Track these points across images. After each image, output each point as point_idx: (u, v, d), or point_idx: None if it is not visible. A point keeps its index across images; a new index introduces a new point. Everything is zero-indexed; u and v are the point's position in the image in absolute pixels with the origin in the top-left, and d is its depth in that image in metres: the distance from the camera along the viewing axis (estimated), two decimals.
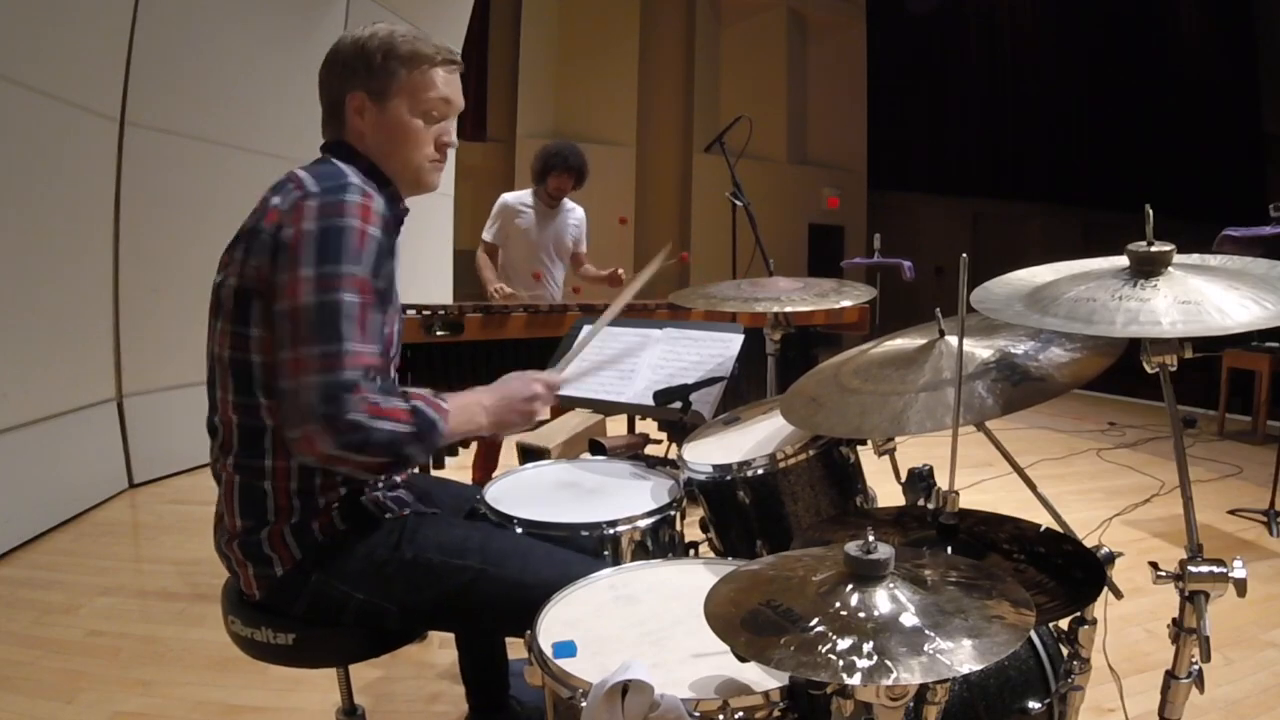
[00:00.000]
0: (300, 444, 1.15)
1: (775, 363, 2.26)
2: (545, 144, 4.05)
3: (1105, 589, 1.18)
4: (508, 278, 4.08)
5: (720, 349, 2.01)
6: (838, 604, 0.90)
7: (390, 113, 1.34)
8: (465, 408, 1.32)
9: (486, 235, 4.04)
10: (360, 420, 1.14)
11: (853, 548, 0.93)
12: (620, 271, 4.21)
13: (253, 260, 1.24)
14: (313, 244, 1.18)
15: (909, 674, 0.80)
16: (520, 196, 4.05)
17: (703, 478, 1.64)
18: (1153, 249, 1.17)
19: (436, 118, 1.37)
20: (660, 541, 1.52)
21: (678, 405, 1.83)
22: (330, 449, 1.14)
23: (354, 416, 1.14)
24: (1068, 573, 1.15)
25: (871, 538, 0.93)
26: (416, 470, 1.55)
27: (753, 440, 1.70)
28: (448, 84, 1.37)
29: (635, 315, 3.63)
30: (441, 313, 2.94)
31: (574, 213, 4.16)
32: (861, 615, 0.88)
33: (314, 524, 1.29)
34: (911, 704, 0.85)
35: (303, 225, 1.19)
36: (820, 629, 0.86)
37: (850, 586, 0.91)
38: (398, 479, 1.44)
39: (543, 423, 3.61)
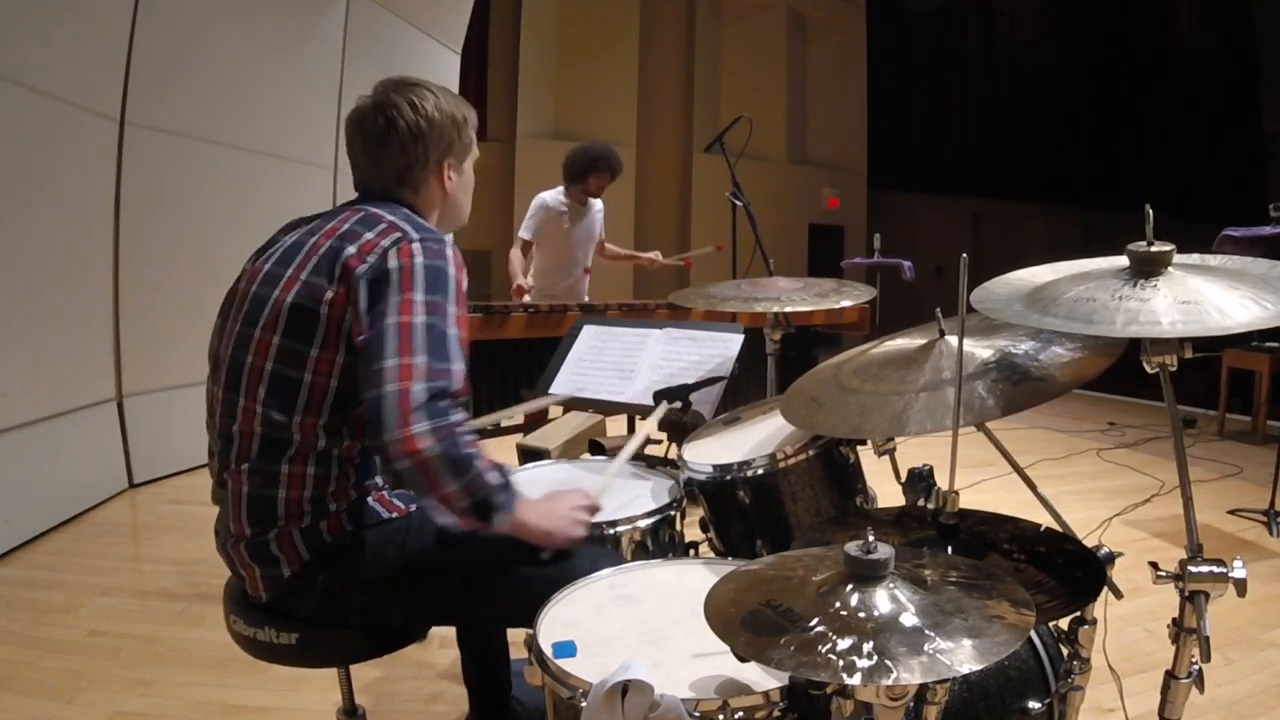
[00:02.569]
0: (397, 446, 1.13)
1: (775, 363, 2.26)
2: (582, 145, 4.13)
3: (1105, 589, 1.18)
4: (543, 274, 4.15)
5: (720, 349, 2.01)
6: (838, 604, 0.90)
7: (465, 173, 1.51)
8: (523, 501, 1.30)
9: (526, 234, 4.09)
10: (463, 435, 1.16)
11: (853, 548, 0.93)
12: (658, 255, 4.33)
13: (326, 283, 1.26)
14: (422, 276, 1.24)
15: (909, 674, 0.80)
16: (557, 196, 4.13)
17: (703, 478, 1.64)
18: (1153, 249, 1.17)
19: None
20: (660, 541, 1.52)
21: (678, 405, 1.83)
22: (431, 450, 1.13)
23: (459, 429, 1.16)
24: (1068, 573, 1.15)
25: (871, 538, 0.93)
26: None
27: (753, 440, 1.70)
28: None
29: (635, 315, 3.65)
30: None
31: (595, 204, 4.25)
32: (861, 615, 0.88)
33: (322, 525, 1.30)
34: (911, 704, 0.85)
35: (413, 260, 1.25)
36: (820, 629, 0.86)
37: (850, 586, 0.91)
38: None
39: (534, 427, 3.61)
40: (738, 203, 3.15)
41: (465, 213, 1.54)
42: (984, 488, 3.55)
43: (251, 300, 1.32)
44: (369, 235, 1.28)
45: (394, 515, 1.36)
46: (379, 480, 1.37)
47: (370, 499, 1.35)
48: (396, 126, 1.36)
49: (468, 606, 1.39)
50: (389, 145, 1.38)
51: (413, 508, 1.39)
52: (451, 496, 1.17)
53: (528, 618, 1.15)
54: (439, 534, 1.35)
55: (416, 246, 1.27)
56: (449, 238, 1.34)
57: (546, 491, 1.40)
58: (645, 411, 1.87)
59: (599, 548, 1.43)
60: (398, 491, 1.40)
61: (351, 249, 1.27)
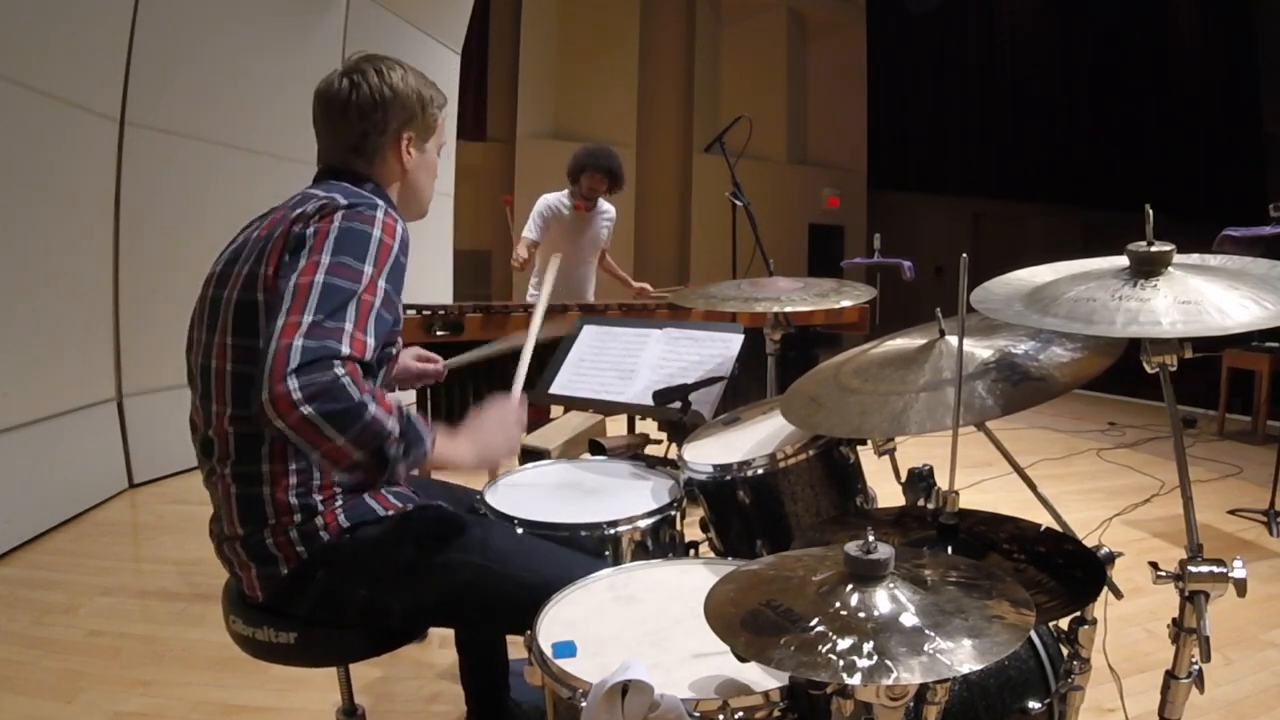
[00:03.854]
0: (270, 406, 1.05)
1: (775, 363, 2.26)
2: (583, 146, 4.14)
3: (1105, 589, 1.18)
4: (543, 275, 4.19)
5: (720, 349, 2.01)
6: (838, 604, 0.90)
7: (428, 153, 1.47)
8: (450, 437, 1.29)
9: (531, 234, 4.09)
10: (345, 386, 1.07)
11: (853, 548, 0.93)
12: (649, 288, 4.34)
13: (260, 268, 1.24)
14: (333, 239, 1.20)
15: (909, 674, 0.80)
16: (560, 197, 4.15)
17: (703, 478, 1.63)
18: (1153, 249, 1.17)
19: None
20: (660, 541, 1.52)
21: (678, 405, 1.83)
22: (305, 407, 1.05)
23: (341, 381, 1.07)
24: (1068, 573, 1.15)
25: (871, 538, 0.93)
26: (415, 473, 1.54)
27: (753, 440, 1.70)
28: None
29: (635, 315, 3.65)
30: (441, 313, 2.94)
31: (606, 212, 4.26)
32: (861, 615, 0.88)
33: (318, 521, 1.29)
34: (911, 704, 0.85)
35: (329, 224, 1.21)
36: (820, 629, 0.86)
37: (850, 586, 0.91)
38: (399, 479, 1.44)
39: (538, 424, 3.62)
40: (738, 203, 3.15)
41: (425, 197, 1.50)
42: (984, 488, 3.55)
43: (209, 305, 1.32)
44: (300, 211, 1.26)
45: (390, 513, 1.35)
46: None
47: (367, 496, 1.34)
48: (359, 91, 1.34)
49: (464, 611, 1.37)
50: (348, 112, 1.35)
51: (409, 506, 1.39)
52: (340, 450, 1.10)
53: (524, 622, 1.14)
54: (437, 533, 1.35)
55: (341, 214, 1.23)
56: (381, 202, 1.29)
57: (473, 418, 1.36)
58: (645, 412, 1.87)
59: (592, 557, 1.43)
60: (394, 490, 1.40)
61: (281, 229, 1.25)
